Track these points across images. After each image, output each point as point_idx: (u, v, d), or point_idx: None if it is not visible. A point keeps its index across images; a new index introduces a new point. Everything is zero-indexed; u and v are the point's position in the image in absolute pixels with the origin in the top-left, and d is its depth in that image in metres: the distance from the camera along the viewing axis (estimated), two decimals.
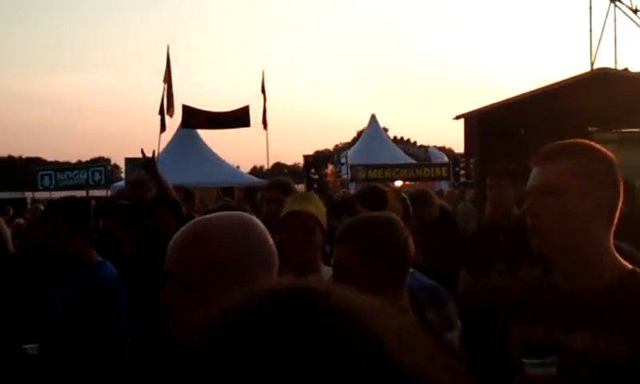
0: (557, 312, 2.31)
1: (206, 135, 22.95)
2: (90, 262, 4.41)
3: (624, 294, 2.24)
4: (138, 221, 5.54)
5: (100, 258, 4.48)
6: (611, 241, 2.33)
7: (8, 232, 5.74)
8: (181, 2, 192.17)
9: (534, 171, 2.38)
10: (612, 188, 2.33)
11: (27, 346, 4.05)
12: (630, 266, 2.34)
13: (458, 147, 21.59)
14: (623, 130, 18.04)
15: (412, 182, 20.19)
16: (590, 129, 18.06)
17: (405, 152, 29.27)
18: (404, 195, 5.27)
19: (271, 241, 1.97)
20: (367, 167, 20.84)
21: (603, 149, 2.40)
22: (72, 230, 4.33)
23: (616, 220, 2.33)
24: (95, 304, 4.13)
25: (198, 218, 2.03)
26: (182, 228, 1.97)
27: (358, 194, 4.68)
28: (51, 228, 4.36)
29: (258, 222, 1.99)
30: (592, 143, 2.43)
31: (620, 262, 2.33)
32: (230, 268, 1.85)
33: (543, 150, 2.39)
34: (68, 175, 17.64)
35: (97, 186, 19.33)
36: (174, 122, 19.31)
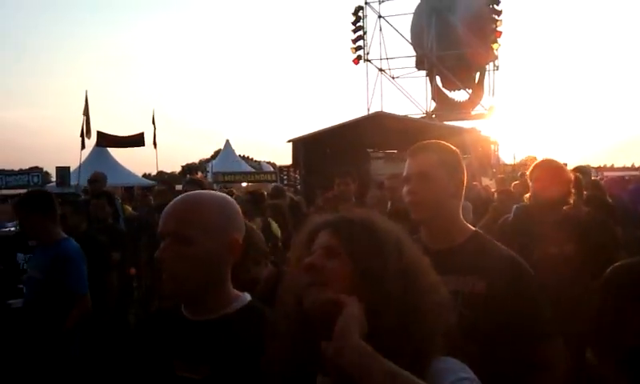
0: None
1: (114, 151, 21.67)
2: (58, 238, 3.68)
3: (472, 247, 2.03)
4: (86, 208, 4.94)
5: (65, 235, 3.74)
6: (460, 210, 2.12)
7: None
8: (97, 58, 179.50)
9: (409, 161, 2.07)
10: (462, 172, 2.10)
11: (12, 301, 3.46)
12: (473, 228, 2.15)
13: (279, 161, 21.63)
14: (387, 151, 18.60)
15: (253, 183, 19.95)
16: (368, 149, 18.51)
17: (247, 163, 29.30)
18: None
19: (241, 212, 1.61)
20: (224, 174, 20.55)
21: (453, 147, 2.11)
22: (43, 215, 3.62)
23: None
24: (65, 268, 3.50)
25: (189, 193, 1.61)
26: (178, 198, 1.55)
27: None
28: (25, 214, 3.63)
29: (232, 199, 1.62)
30: (446, 143, 2.15)
31: (466, 225, 2.12)
32: (216, 229, 1.50)
33: (416, 146, 2.11)
34: (14, 178, 15.99)
35: (35, 186, 17.80)
36: (91, 142, 18.08)
